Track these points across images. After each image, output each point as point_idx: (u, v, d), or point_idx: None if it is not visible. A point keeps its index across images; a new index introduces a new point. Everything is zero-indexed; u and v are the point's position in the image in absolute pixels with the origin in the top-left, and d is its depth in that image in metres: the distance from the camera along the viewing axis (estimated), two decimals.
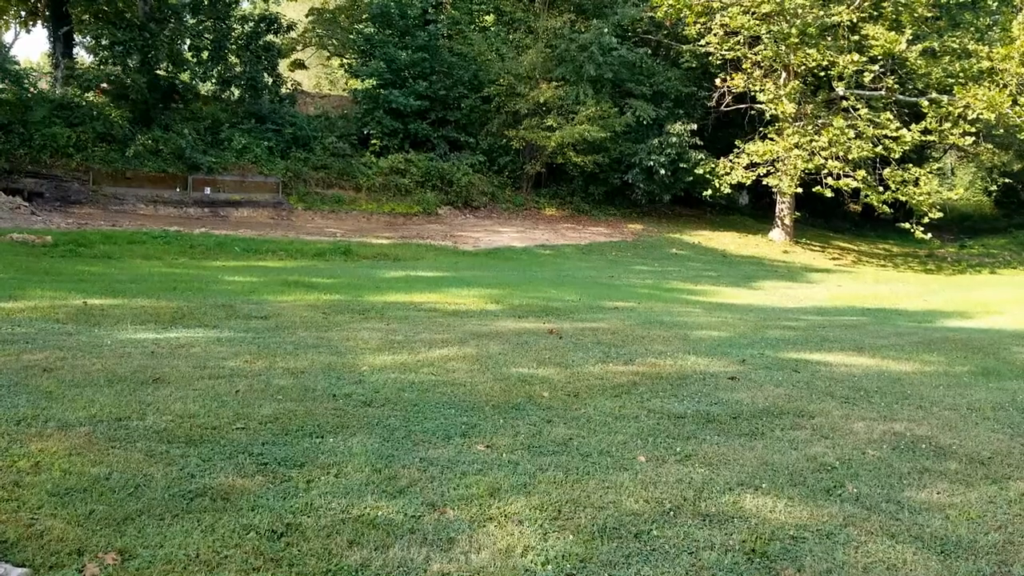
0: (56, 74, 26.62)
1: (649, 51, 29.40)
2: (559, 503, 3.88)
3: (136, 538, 3.30)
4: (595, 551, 3.42)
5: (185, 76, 26.72)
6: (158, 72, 25.36)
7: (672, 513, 3.84)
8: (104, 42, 25.01)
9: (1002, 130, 25.94)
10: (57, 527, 3.34)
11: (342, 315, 8.81)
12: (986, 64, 24.02)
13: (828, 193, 25.81)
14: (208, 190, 23.71)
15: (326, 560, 3.22)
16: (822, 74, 25.90)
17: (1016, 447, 5.12)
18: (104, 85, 24.80)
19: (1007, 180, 35.06)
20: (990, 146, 27.81)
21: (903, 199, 25.38)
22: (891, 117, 24.76)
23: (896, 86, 25.86)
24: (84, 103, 23.82)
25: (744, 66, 26.55)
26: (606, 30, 27.33)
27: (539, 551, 3.38)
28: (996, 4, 26.99)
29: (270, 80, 27.65)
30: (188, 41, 27.19)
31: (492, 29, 30.84)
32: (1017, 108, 23.31)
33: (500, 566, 3.26)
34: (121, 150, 23.00)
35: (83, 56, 29.90)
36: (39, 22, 29.04)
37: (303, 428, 4.75)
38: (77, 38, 28.80)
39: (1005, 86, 23.58)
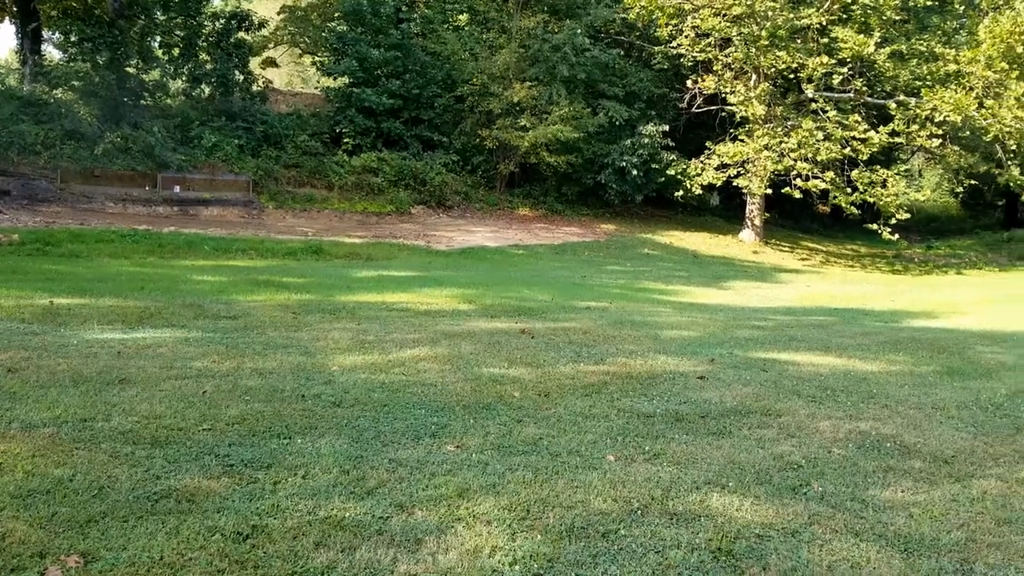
0: (24, 71, 26.19)
1: (622, 52, 29.49)
2: (528, 503, 3.88)
3: (99, 540, 3.27)
4: (563, 551, 3.43)
5: (155, 73, 26.39)
6: (128, 69, 25.04)
7: (640, 512, 3.86)
8: (73, 38, 24.68)
9: (968, 132, 26.27)
10: (19, 529, 3.30)
11: (312, 315, 8.77)
12: (953, 67, 24.32)
13: (797, 194, 26.02)
14: (178, 188, 23.43)
15: (292, 562, 3.20)
16: (791, 76, 26.11)
17: (979, 446, 5.20)
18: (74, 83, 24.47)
19: (973, 182, 35.45)
20: (957, 148, 28.14)
21: (871, 200, 25.62)
22: (859, 119, 24.99)
23: (864, 88, 26.13)
24: (52, 100, 23.48)
25: (715, 68, 26.71)
26: (579, 31, 27.39)
27: (507, 551, 3.39)
28: (963, 8, 27.37)
29: (241, 77, 27.37)
30: (158, 38, 26.91)
31: (466, 28, 30.79)
32: (983, 111, 23.64)
33: (468, 567, 3.26)
34: (90, 148, 22.66)
35: (52, 53, 29.49)
36: (7, 18, 28.54)
37: (271, 429, 4.72)
38: (45, 34, 28.38)
39: (971, 89, 23.90)
